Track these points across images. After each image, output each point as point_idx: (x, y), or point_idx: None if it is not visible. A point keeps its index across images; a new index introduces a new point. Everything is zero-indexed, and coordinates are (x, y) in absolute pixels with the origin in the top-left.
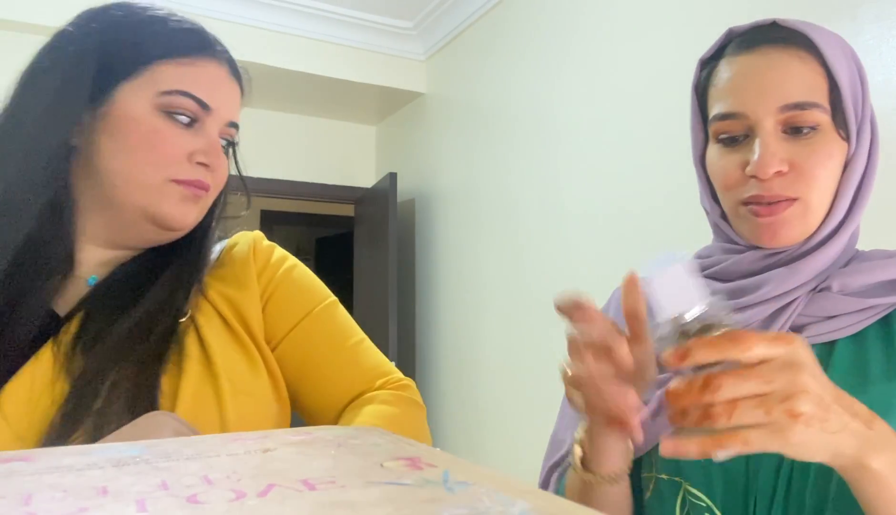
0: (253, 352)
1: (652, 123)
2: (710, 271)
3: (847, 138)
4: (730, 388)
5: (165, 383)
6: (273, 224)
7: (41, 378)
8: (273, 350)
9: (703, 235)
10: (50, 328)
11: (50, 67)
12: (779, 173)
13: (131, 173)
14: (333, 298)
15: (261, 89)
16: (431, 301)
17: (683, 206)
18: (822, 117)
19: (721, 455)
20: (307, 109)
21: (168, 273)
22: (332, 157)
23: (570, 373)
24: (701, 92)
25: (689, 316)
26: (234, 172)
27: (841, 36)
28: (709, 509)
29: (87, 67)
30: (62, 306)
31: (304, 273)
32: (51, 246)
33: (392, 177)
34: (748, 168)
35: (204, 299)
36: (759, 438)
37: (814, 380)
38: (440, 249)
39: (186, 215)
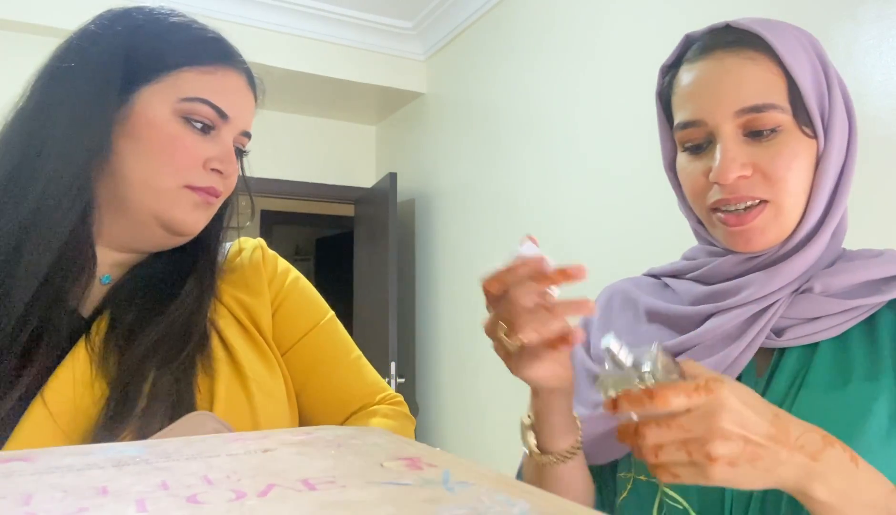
0: (269, 354)
1: (652, 123)
2: (694, 275)
3: (815, 135)
4: (652, 436)
5: (200, 384)
6: (273, 224)
7: (81, 377)
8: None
9: None
10: (76, 327)
11: (78, 68)
12: (742, 177)
13: (148, 178)
14: (332, 312)
15: (261, 89)
16: (431, 301)
17: None
18: (783, 118)
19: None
20: (307, 109)
21: (193, 278)
22: (332, 157)
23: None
24: (665, 100)
25: (621, 353)
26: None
27: (803, 30)
28: (685, 512)
29: (116, 69)
30: (82, 306)
31: (308, 286)
32: (78, 249)
33: (392, 177)
34: (711, 175)
35: (220, 303)
36: (685, 474)
37: (734, 425)
38: (440, 249)
39: (197, 222)
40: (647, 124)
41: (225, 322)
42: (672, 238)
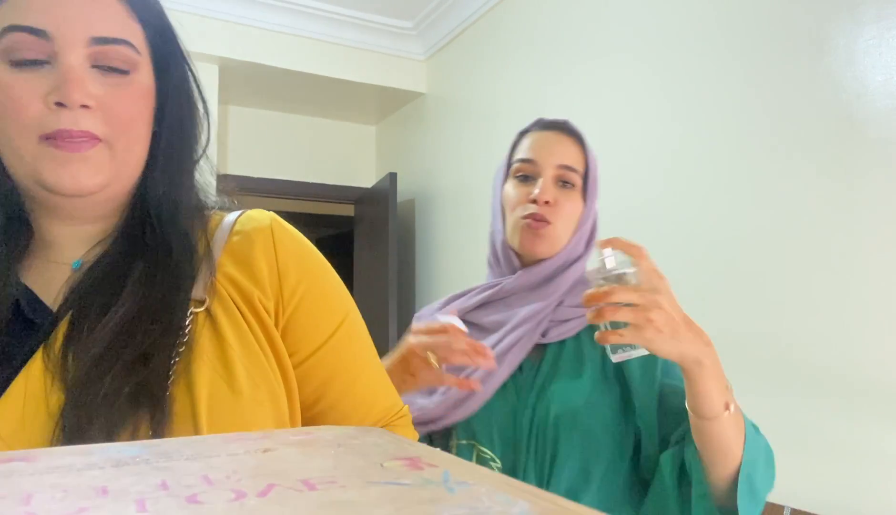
0: (264, 345)
1: (651, 124)
2: (488, 294)
3: (584, 199)
4: (615, 295)
5: (180, 384)
6: None
7: (32, 393)
8: (295, 368)
9: (699, 234)
10: (42, 322)
11: None
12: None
13: (8, 143)
14: (353, 304)
15: (261, 89)
16: (431, 301)
17: (681, 206)
18: (578, 181)
19: (610, 346)
20: (307, 109)
21: (165, 261)
22: (332, 157)
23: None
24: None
25: (608, 261)
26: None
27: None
28: (492, 458)
29: None
30: (49, 295)
31: (327, 275)
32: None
33: (392, 177)
34: (532, 195)
35: (216, 284)
36: (628, 334)
37: (668, 304)
38: (440, 249)
39: (75, 177)
40: (646, 123)
41: (223, 310)
42: (670, 237)
